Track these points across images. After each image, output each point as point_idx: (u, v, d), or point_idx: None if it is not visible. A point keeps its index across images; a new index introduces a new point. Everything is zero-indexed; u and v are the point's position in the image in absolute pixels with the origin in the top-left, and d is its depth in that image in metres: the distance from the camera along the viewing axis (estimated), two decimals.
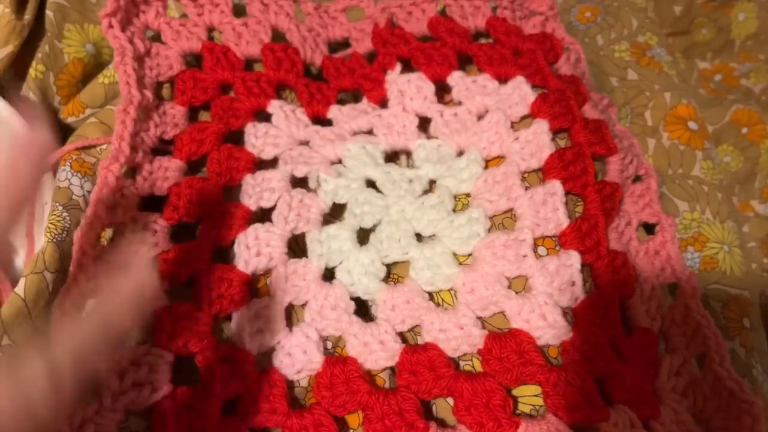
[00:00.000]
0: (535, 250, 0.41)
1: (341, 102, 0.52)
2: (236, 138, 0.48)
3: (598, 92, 0.53)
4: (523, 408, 0.38)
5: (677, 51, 0.77)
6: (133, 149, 0.44)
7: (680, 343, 0.41)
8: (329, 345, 0.41)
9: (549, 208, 0.42)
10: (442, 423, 0.38)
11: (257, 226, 0.43)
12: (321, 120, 0.50)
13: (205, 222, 0.43)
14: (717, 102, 0.71)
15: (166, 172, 0.45)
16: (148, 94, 0.46)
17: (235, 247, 0.43)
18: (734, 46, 0.78)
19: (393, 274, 0.43)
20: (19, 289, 0.38)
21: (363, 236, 0.45)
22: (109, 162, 0.42)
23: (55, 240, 0.41)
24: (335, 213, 0.46)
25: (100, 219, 0.39)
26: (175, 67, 0.50)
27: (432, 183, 0.47)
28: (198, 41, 0.51)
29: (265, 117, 0.50)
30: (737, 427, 0.37)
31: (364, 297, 0.42)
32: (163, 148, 0.47)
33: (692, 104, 0.61)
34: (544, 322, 0.39)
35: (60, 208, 0.42)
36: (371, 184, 0.47)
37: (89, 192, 0.43)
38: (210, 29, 0.52)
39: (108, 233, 0.42)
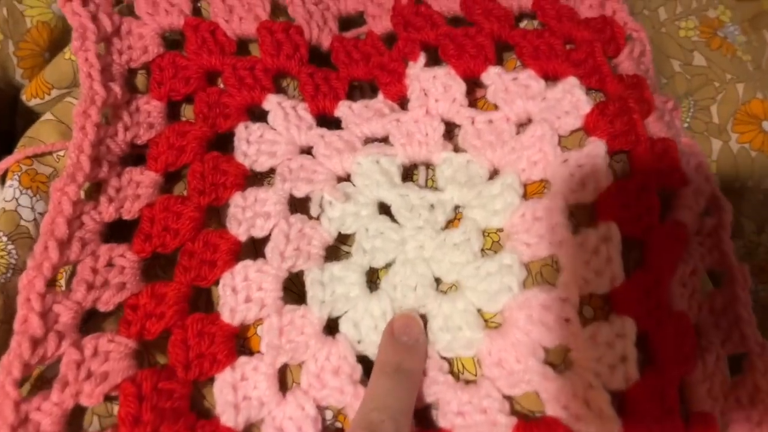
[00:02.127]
0: (579, 312, 0.34)
1: (352, 91, 0.44)
2: (224, 142, 0.40)
3: (661, 92, 0.44)
4: None
5: (743, 20, 0.66)
6: (96, 162, 0.36)
7: (744, 430, 0.34)
8: (329, 415, 0.34)
9: (602, 258, 0.34)
10: None
11: (247, 263, 0.36)
12: (327, 118, 0.42)
13: (184, 256, 0.36)
14: None
15: (137, 189, 0.37)
16: (115, 87, 0.38)
17: (220, 289, 0.35)
18: None
19: None
20: None
21: (372, 275, 0.37)
22: (65, 182, 0.34)
23: None
24: (341, 238, 0.39)
25: (51, 261, 0.32)
26: (151, 50, 0.41)
27: (457, 208, 0.39)
28: (180, 16, 0.42)
29: (259, 114, 0.41)
30: None
31: (372, 358, 0.35)
32: (135, 153, 0.39)
33: None
34: (588, 411, 0.32)
35: (4, 239, 0.35)
36: (385, 208, 0.39)
37: (42, 215, 0.36)
38: (195, 0, 0.43)
39: (63, 274, 0.35)
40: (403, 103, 0.42)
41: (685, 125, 0.51)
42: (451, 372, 0.34)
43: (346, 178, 0.40)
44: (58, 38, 0.49)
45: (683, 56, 0.53)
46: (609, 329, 0.33)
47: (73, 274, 0.34)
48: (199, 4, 0.43)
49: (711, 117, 0.51)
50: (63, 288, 0.34)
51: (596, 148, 0.37)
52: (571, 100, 0.39)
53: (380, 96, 0.42)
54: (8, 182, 0.36)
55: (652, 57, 0.53)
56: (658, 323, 0.34)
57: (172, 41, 0.43)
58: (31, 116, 0.45)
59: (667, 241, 0.35)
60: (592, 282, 0.34)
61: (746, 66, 0.53)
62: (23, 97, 0.46)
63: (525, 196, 0.38)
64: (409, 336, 0.34)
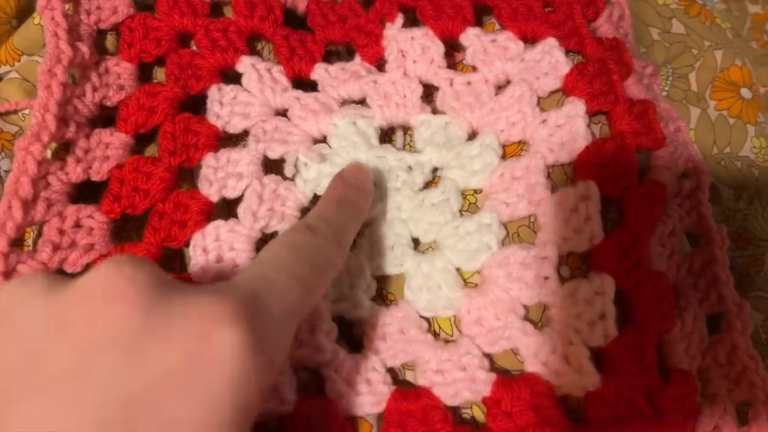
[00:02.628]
0: (558, 272, 0.34)
1: (329, 56, 0.43)
2: (197, 104, 0.39)
3: (640, 58, 0.44)
4: None
5: None
6: (63, 122, 0.35)
7: (721, 388, 0.34)
8: (306, 377, 0.33)
9: (581, 217, 0.34)
10: None
11: (219, 223, 0.35)
12: (303, 81, 0.41)
13: (154, 217, 0.35)
14: None
15: (106, 150, 0.36)
16: (83, 48, 0.37)
17: (191, 250, 0.35)
18: None
19: (384, 290, 0.36)
20: None
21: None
22: (29, 141, 0.33)
23: None
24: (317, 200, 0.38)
25: (15, 221, 0.31)
26: (120, 10, 0.39)
27: (436, 171, 0.38)
28: None
29: (233, 77, 0.40)
30: None
31: (349, 318, 0.35)
32: (104, 116, 0.38)
33: (747, 66, 0.52)
34: (567, 366, 0.31)
35: None
36: None
37: (7, 173, 0.35)
38: None
39: (31, 234, 0.34)
40: (380, 65, 0.41)
41: (664, 93, 0.51)
42: (430, 332, 0.34)
43: (323, 140, 0.39)
44: (26, 5, 0.47)
45: (662, 24, 0.52)
46: (588, 287, 0.33)
47: (39, 235, 0.33)
48: None
49: (689, 84, 0.51)
50: (30, 248, 0.33)
51: (575, 108, 0.36)
52: (550, 61, 0.38)
53: (357, 58, 0.41)
54: None
55: (633, 25, 0.53)
56: (636, 282, 0.34)
57: (144, 5, 0.41)
58: None
59: (645, 200, 0.35)
60: (571, 240, 0.34)
61: (725, 33, 0.52)
62: None
63: (504, 156, 0.37)
64: (357, 179, 0.34)
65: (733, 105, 0.50)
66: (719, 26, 0.53)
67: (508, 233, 0.35)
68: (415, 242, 0.36)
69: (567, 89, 0.37)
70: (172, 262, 0.35)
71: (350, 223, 0.32)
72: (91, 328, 0.21)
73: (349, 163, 0.36)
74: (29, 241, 0.34)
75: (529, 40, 0.40)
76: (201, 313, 0.22)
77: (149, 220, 0.35)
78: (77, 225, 0.34)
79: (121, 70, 0.39)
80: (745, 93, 0.50)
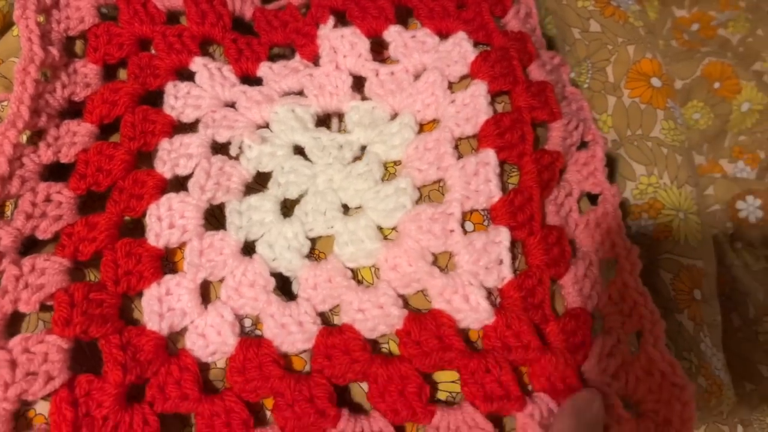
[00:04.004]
0: (462, 226, 0.39)
1: (273, 59, 0.48)
2: (156, 100, 0.45)
3: (549, 50, 0.49)
4: (440, 395, 0.36)
5: None
6: (35, 113, 0.40)
7: (616, 322, 0.39)
8: (248, 323, 0.38)
9: (481, 179, 0.40)
10: (357, 408, 0.36)
11: (171, 195, 0.40)
12: (251, 79, 0.47)
13: (115, 192, 0.40)
14: (688, 55, 0.67)
15: (74, 137, 0.42)
16: (54, 51, 0.43)
17: (147, 218, 0.40)
18: None
19: (316, 249, 0.41)
20: None
21: (287, 208, 0.42)
22: (6, 127, 0.39)
23: None
24: (261, 183, 0.43)
25: None
26: (87, 20, 0.45)
27: (364, 149, 0.44)
28: None
29: (188, 76, 0.46)
30: (668, 411, 0.36)
31: (286, 273, 0.40)
32: (73, 110, 0.44)
33: (657, 59, 0.57)
34: (466, 304, 0.36)
35: None
36: (300, 150, 0.43)
37: None
38: None
39: (10, 206, 0.39)
40: (316, 62, 0.47)
41: (585, 85, 0.57)
42: (354, 280, 0.39)
43: (265, 126, 0.44)
44: (9, 23, 0.53)
45: (581, 24, 0.58)
46: (486, 237, 0.38)
47: (15, 207, 0.39)
48: None
49: (607, 77, 0.56)
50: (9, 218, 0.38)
51: (478, 88, 0.42)
52: (459, 51, 0.44)
53: (297, 56, 0.47)
54: None
55: (557, 28, 0.59)
56: (530, 233, 0.39)
57: (108, 15, 0.47)
58: None
59: (538, 164, 0.40)
60: (473, 199, 0.39)
61: (638, 31, 0.58)
62: None
63: (421, 132, 0.43)
64: (592, 416, 0.34)
65: (644, 93, 0.55)
66: (632, 24, 0.59)
67: (421, 196, 0.41)
68: (345, 208, 0.42)
69: (473, 73, 0.43)
70: (133, 232, 0.40)
71: None
72: None
73: (581, 392, 0.35)
74: (9, 213, 0.39)
75: (444, 35, 0.46)
76: None
77: (111, 195, 0.40)
78: (48, 199, 0.39)
79: (87, 71, 0.44)
80: (655, 82, 0.56)
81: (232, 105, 0.45)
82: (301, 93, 0.46)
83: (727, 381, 0.49)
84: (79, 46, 0.46)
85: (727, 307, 0.55)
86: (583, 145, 0.45)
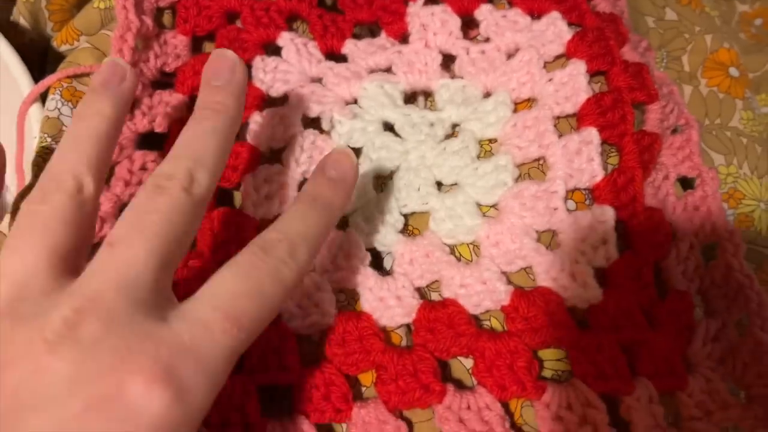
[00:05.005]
0: (566, 204, 0.38)
1: (357, 36, 0.48)
2: None
3: (635, 33, 0.49)
4: (545, 372, 0.35)
5: None
6: None
7: (720, 305, 0.38)
8: (343, 298, 0.38)
9: (584, 158, 0.39)
10: (459, 384, 0.36)
11: (266, 166, 0.40)
12: (335, 56, 0.46)
13: None
14: (758, 48, 0.66)
15: (166, 108, 0.41)
16: (148, 20, 0.42)
17: (242, 190, 0.39)
18: None
19: (410, 226, 0.40)
20: (4, 226, 0.35)
21: (380, 184, 0.41)
22: None
23: None
24: None
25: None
26: None
27: (455, 127, 0.43)
28: None
29: (274, 50, 0.45)
30: None
31: (379, 248, 0.39)
32: (164, 80, 0.43)
33: (734, 49, 0.57)
34: (573, 282, 0.36)
35: (49, 140, 0.39)
36: (389, 127, 0.43)
37: None
38: None
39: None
40: (404, 40, 0.46)
41: None
42: (453, 257, 0.38)
43: (354, 103, 0.44)
44: None
45: (656, 13, 0.58)
46: (591, 215, 0.38)
47: (111, 174, 0.38)
48: None
49: (682, 66, 0.56)
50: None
51: (577, 67, 0.41)
52: (554, 31, 0.43)
53: (383, 34, 0.47)
54: (50, 96, 0.41)
55: (629, 16, 0.58)
56: (632, 214, 0.38)
57: None
58: (60, 62, 0.49)
59: (638, 145, 0.40)
60: (576, 177, 0.39)
61: (714, 20, 0.58)
62: (54, 44, 0.50)
63: (516, 111, 0.42)
64: (337, 170, 0.33)
65: (722, 82, 0.55)
66: (708, 14, 0.58)
67: (520, 174, 0.40)
68: (439, 185, 0.41)
69: (569, 53, 0.42)
70: (223, 202, 0.40)
71: (317, 230, 0.30)
72: None
73: (334, 148, 0.35)
74: None
75: (536, 15, 0.45)
76: (123, 360, 0.23)
77: None
78: (143, 167, 0.39)
79: (177, 42, 0.44)
80: (733, 72, 0.55)
81: (318, 80, 0.45)
82: (388, 70, 0.45)
83: None
84: (167, 18, 0.46)
85: None
86: (675, 129, 0.44)
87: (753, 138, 0.53)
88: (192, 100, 0.43)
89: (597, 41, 0.42)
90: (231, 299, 0.26)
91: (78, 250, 0.28)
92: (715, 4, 0.59)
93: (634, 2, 0.59)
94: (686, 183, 0.44)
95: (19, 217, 0.27)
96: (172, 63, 0.43)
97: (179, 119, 0.41)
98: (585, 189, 0.39)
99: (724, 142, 0.52)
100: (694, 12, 0.57)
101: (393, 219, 0.39)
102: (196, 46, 0.46)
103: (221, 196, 0.40)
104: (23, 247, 0.26)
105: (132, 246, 0.25)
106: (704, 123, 0.53)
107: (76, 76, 0.42)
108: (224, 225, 0.37)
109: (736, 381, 0.36)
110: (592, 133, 0.39)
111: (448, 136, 0.42)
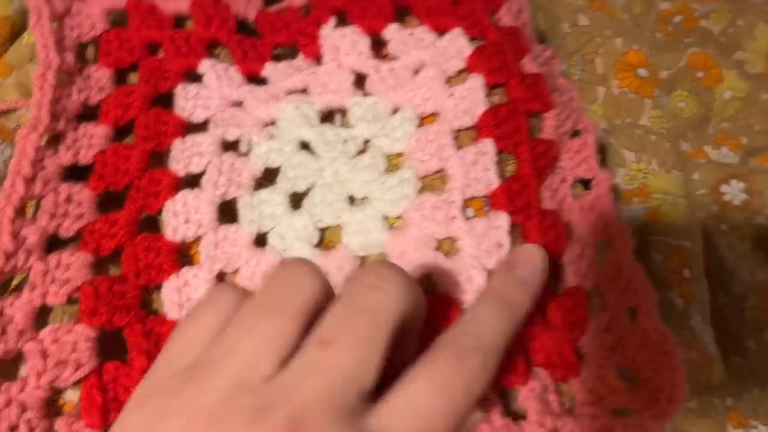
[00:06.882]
0: (463, 212, 0.41)
1: (280, 57, 0.51)
2: (166, 101, 0.47)
3: (541, 44, 0.52)
4: None
5: None
6: (54, 117, 0.42)
7: (612, 298, 0.41)
8: None
9: (480, 168, 0.42)
10: None
11: (185, 192, 0.42)
12: (256, 78, 0.49)
13: (133, 190, 0.42)
14: (673, 46, 0.69)
15: (91, 140, 0.44)
16: (69, 57, 0.45)
17: (163, 214, 0.42)
18: None
19: (325, 239, 0.43)
20: None
21: (297, 201, 0.44)
22: (27, 131, 0.41)
23: None
24: (270, 178, 0.45)
25: (18, 193, 0.38)
26: (98, 26, 0.47)
27: (367, 143, 0.46)
28: None
29: (196, 78, 0.48)
30: (659, 378, 0.38)
31: None
32: (88, 113, 0.45)
33: (643, 50, 0.60)
34: (470, 285, 0.39)
35: None
36: (306, 146, 0.46)
37: (9, 159, 0.42)
38: None
39: (31, 207, 0.41)
40: (319, 60, 0.49)
41: (576, 77, 0.59)
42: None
43: (272, 124, 0.46)
44: (18, 31, 0.55)
45: (570, 18, 0.61)
46: (486, 222, 0.40)
47: (38, 207, 0.40)
48: None
49: (596, 68, 0.59)
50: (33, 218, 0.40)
51: (475, 82, 0.44)
52: (456, 47, 0.46)
53: (300, 56, 0.49)
54: None
55: (547, 23, 0.61)
56: (527, 217, 0.41)
57: (117, 19, 0.49)
58: None
59: (533, 152, 0.43)
60: (473, 186, 0.42)
61: (625, 23, 0.61)
62: None
63: (421, 125, 0.45)
64: (528, 270, 0.33)
65: (632, 82, 0.58)
66: (619, 17, 0.61)
67: (423, 185, 0.43)
68: (351, 199, 0.44)
69: (470, 68, 0.45)
70: (149, 227, 0.43)
71: (506, 339, 0.29)
72: None
73: (524, 247, 0.36)
74: (29, 212, 0.41)
75: (441, 31, 0.48)
76: None
77: (129, 193, 0.42)
78: (69, 199, 0.41)
79: (100, 75, 0.46)
80: (642, 72, 0.58)
81: (239, 104, 0.47)
82: (305, 91, 0.48)
83: (716, 355, 0.51)
84: (90, 52, 0.48)
85: (714, 286, 0.58)
86: (575, 134, 0.47)
87: (661, 135, 0.56)
88: (115, 131, 0.45)
89: (495, 55, 0.45)
90: (426, 420, 0.25)
91: None
92: (626, 7, 0.62)
93: (552, 9, 0.62)
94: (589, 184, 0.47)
95: None
96: (95, 96, 0.46)
97: (103, 151, 0.43)
98: (483, 197, 0.42)
99: (634, 139, 0.56)
100: (605, 16, 0.60)
101: (308, 234, 0.42)
102: (121, 77, 0.48)
103: (145, 222, 0.42)
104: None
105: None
106: (616, 122, 0.56)
107: (2, 113, 0.44)
108: (146, 250, 0.40)
109: (627, 367, 0.39)
110: (488, 144, 0.42)
111: (360, 152, 0.45)
